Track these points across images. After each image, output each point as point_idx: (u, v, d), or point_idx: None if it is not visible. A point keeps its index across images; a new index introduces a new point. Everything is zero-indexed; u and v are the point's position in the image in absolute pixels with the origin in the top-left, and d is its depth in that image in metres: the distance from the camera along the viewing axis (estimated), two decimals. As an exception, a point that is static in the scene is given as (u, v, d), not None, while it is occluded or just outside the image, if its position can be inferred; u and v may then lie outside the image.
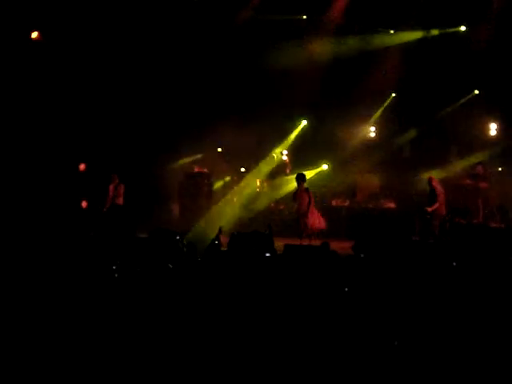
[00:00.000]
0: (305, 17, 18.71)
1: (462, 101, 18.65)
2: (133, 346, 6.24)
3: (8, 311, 6.95)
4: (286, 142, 19.56)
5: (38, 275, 8.21)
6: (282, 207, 18.15)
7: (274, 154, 19.29)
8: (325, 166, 18.58)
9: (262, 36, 17.91)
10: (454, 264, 8.97)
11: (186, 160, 19.15)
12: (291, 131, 19.68)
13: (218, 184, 19.39)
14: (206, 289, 7.68)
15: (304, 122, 19.63)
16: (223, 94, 18.11)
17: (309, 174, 16.67)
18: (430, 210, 14.62)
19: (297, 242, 13.59)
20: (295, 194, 14.51)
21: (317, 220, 14.22)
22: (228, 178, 19.54)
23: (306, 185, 14.51)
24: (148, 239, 11.09)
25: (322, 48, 18.33)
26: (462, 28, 18.14)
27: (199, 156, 19.15)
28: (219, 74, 18.04)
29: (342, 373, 5.77)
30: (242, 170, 19.31)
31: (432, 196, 14.79)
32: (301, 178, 14.43)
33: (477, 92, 18.62)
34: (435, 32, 18.34)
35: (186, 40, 17.60)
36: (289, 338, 6.30)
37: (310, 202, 14.16)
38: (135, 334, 6.46)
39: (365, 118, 19.50)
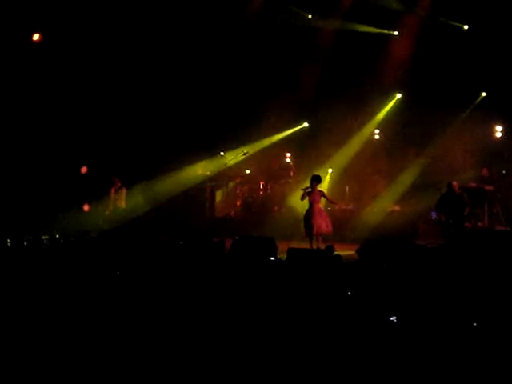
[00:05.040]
0: (310, 16, 18.71)
1: (472, 106, 18.56)
2: (134, 348, 6.21)
3: (7, 311, 6.95)
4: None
5: (38, 277, 8.21)
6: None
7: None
8: (330, 170, 18.47)
9: (261, 37, 17.90)
10: (459, 267, 8.93)
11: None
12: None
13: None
14: (211, 292, 7.66)
15: (305, 124, 19.52)
16: (222, 95, 18.08)
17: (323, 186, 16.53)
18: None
19: (305, 245, 13.52)
20: (307, 195, 14.12)
21: (324, 223, 14.03)
22: (232, 183, 19.43)
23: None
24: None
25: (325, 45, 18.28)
26: (465, 27, 18.11)
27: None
28: (218, 76, 18.01)
29: (344, 375, 5.76)
30: (248, 171, 19.22)
31: (461, 201, 14.73)
32: (316, 180, 14.27)
33: (484, 94, 18.53)
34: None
35: (186, 43, 17.60)
36: (292, 341, 6.28)
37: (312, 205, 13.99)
38: (139, 337, 6.44)
39: (369, 120, 19.43)
